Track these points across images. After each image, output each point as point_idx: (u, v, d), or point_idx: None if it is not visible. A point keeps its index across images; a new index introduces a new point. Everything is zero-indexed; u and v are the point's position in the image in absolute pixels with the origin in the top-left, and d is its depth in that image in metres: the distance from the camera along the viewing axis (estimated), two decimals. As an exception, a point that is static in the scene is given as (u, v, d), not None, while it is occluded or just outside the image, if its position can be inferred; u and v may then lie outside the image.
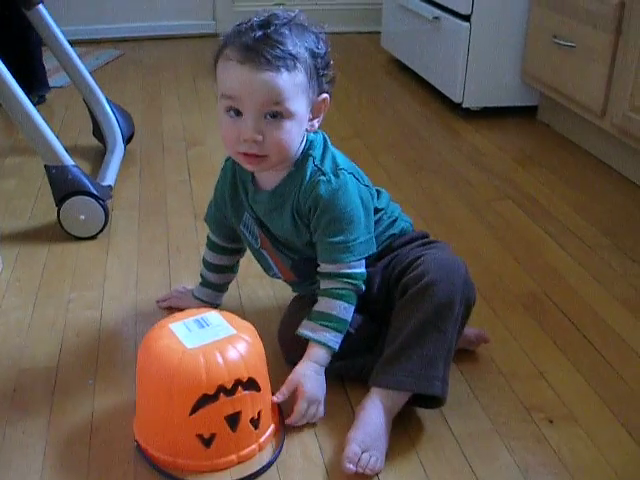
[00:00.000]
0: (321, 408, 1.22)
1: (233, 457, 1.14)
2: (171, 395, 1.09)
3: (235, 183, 1.35)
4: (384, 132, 2.60)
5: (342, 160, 1.28)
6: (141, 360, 1.16)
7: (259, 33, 1.14)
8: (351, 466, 1.10)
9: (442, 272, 1.19)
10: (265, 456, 1.16)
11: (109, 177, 2.00)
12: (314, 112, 1.23)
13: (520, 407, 1.27)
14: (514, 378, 1.34)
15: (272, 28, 1.15)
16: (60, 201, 1.79)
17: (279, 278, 1.42)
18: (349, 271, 1.24)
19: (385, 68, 3.34)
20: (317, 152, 1.26)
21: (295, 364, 1.25)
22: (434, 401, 1.21)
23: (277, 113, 1.16)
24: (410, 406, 1.21)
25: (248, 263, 1.52)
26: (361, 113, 2.80)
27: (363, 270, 1.25)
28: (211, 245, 1.47)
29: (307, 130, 1.23)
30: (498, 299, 1.57)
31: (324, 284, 1.26)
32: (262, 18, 1.17)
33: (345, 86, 3.03)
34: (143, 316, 1.50)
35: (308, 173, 1.24)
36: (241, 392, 1.11)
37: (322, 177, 1.23)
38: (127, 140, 2.32)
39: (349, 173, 1.26)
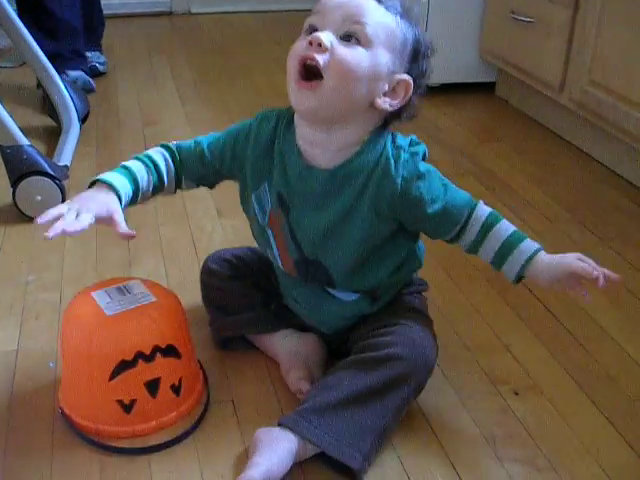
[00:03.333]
0: None
1: (153, 423, 1.15)
2: (90, 361, 1.10)
3: (271, 147, 1.16)
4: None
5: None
6: (63, 327, 1.16)
7: None
8: None
9: (409, 350, 1.10)
10: (188, 423, 1.17)
11: (65, 157, 1.96)
12: (391, 89, 1.09)
13: (485, 380, 1.28)
14: (478, 351, 1.34)
15: None
16: (15, 182, 1.74)
17: (278, 266, 1.25)
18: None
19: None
20: (398, 136, 1.15)
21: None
22: (349, 472, 1.07)
23: (353, 34, 1.04)
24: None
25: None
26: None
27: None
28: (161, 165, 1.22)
29: (380, 106, 1.09)
30: (461, 273, 1.58)
31: (467, 239, 1.18)
32: None
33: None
34: (104, 297, 1.48)
35: (389, 152, 1.12)
36: (160, 358, 1.12)
37: (406, 155, 1.12)
38: (82, 119, 2.27)
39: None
